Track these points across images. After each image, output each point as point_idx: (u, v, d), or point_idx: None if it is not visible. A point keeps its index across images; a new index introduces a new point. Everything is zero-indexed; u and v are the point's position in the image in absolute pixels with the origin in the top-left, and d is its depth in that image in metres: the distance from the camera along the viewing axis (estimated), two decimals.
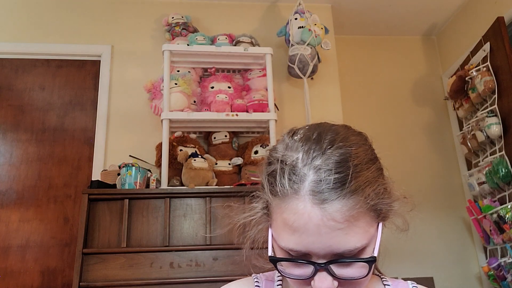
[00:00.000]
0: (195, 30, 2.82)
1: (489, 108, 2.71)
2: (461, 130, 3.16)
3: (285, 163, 0.59)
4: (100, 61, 2.80)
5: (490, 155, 2.76)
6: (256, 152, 2.48)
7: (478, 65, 2.84)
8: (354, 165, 0.58)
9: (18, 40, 2.79)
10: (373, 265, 0.59)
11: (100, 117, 2.66)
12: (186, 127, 2.52)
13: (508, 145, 2.59)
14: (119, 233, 2.03)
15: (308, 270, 0.58)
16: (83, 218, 2.01)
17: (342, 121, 2.56)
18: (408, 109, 3.40)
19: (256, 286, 0.75)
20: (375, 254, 0.59)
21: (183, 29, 2.75)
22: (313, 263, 0.57)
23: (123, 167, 2.24)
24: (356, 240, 0.57)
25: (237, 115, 2.38)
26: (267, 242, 0.65)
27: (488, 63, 2.73)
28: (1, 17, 2.84)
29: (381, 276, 0.76)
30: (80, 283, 1.89)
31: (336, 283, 0.58)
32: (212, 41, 2.71)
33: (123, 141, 2.62)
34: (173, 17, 2.81)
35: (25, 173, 2.57)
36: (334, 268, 0.58)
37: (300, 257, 0.58)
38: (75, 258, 1.94)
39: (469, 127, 2.93)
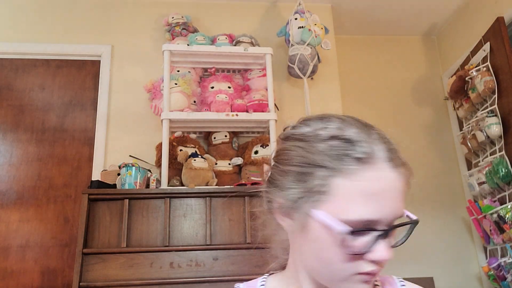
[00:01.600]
0: (195, 30, 2.82)
1: (489, 108, 2.71)
2: (461, 130, 3.16)
3: (346, 138, 0.61)
4: (100, 61, 2.80)
5: (490, 155, 2.76)
6: (256, 152, 2.48)
7: (478, 65, 2.84)
8: None
9: (18, 40, 2.79)
10: None
11: (100, 117, 2.66)
12: (186, 127, 2.52)
13: (508, 145, 2.59)
14: (119, 233, 2.03)
15: (366, 241, 0.60)
16: (83, 218, 2.01)
17: None
18: (408, 109, 3.40)
19: None
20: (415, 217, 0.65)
21: (183, 29, 2.75)
22: (379, 230, 0.59)
23: (123, 167, 2.24)
24: (403, 209, 0.62)
25: (237, 115, 2.38)
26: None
27: (488, 63, 2.73)
28: (1, 17, 2.84)
29: None
30: (80, 283, 1.89)
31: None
32: (212, 41, 2.71)
33: (123, 141, 2.62)
34: (173, 17, 2.81)
35: (25, 173, 2.57)
36: (390, 235, 0.62)
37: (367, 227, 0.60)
38: (75, 258, 1.94)
39: (469, 127, 2.93)
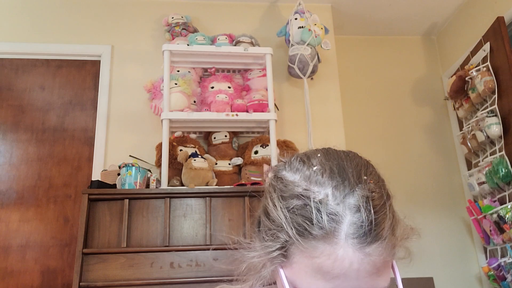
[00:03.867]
0: (195, 30, 2.82)
1: (489, 108, 2.71)
2: (461, 130, 3.16)
3: (313, 200, 0.52)
4: (100, 61, 2.80)
5: (490, 155, 2.76)
6: (256, 152, 2.48)
7: (478, 65, 2.84)
8: (387, 202, 0.55)
9: (18, 40, 2.79)
10: None
11: (100, 117, 2.66)
12: (186, 127, 2.52)
13: (508, 145, 2.59)
14: (119, 233, 2.03)
15: None
16: (83, 218, 2.01)
17: (342, 121, 2.58)
18: (408, 109, 3.40)
19: None
20: None
21: (183, 29, 2.75)
22: None
23: (123, 167, 2.24)
24: (384, 281, 0.54)
25: (237, 115, 2.38)
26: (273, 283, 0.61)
27: (488, 63, 2.73)
28: (1, 17, 2.84)
29: None
30: (80, 283, 1.89)
31: None
32: (212, 41, 2.71)
33: (123, 141, 2.62)
34: (173, 17, 2.81)
35: (25, 173, 2.57)
36: None
37: None
38: (75, 258, 1.94)
39: (469, 127, 2.93)
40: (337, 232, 0.51)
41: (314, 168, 0.56)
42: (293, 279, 0.54)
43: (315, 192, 0.53)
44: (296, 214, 0.53)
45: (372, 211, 0.51)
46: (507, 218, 2.47)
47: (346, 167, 0.56)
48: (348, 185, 0.53)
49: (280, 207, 0.55)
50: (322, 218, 0.51)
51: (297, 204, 0.54)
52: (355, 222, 0.51)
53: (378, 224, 0.52)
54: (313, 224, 0.51)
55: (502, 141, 2.63)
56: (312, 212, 0.52)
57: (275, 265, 0.57)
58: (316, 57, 2.67)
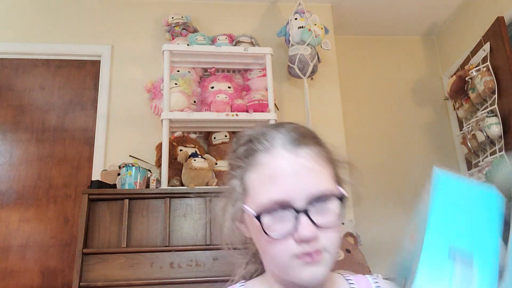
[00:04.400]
0: (195, 30, 2.82)
1: (489, 108, 2.71)
2: (461, 130, 3.16)
3: (254, 137, 0.69)
4: (100, 61, 2.80)
5: (490, 155, 2.76)
6: None
7: (478, 65, 2.84)
8: (313, 134, 0.72)
9: (18, 40, 2.79)
10: (343, 210, 0.66)
11: (100, 117, 2.66)
12: (186, 127, 2.52)
13: (508, 145, 2.59)
14: (119, 233, 2.03)
15: (289, 223, 0.62)
16: (83, 218, 2.01)
17: (342, 121, 2.57)
18: (408, 109, 3.40)
19: None
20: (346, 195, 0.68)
21: (183, 29, 2.75)
22: (295, 209, 0.62)
23: (123, 167, 2.24)
24: (326, 183, 0.65)
25: (237, 115, 2.38)
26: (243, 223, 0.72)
27: (488, 63, 2.73)
28: (1, 17, 2.84)
29: (342, 273, 0.77)
30: (80, 283, 1.89)
31: (317, 231, 0.62)
32: (212, 41, 2.71)
33: (123, 141, 2.62)
34: (173, 17, 2.81)
35: (25, 173, 2.57)
36: (313, 213, 0.62)
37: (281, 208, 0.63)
38: (75, 258, 1.94)
39: (469, 127, 2.93)
40: (274, 145, 0.66)
41: (256, 128, 0.72)
42: (255, 204, 0.65)
43: (255, 133, 0.70)
44: (245, 151, 0.69)
45: (299, 131, 0.69)
46: None
47: (281, 123, 0.72)
48: (280, 125, 0.70)
49: (235, 156, 0.71)
50: (262, 140, 0.67)
51: (245, 147, 0.70)
52: (287, 138, 0.67)
53: (305, 136, 0.68)
54: (255, 145, 0.68)
55: (502, 141, 2.63)
56: (254, 141, 0.68)
57: (239, 202, 0.69)
58: (316, 57, 2.67)
